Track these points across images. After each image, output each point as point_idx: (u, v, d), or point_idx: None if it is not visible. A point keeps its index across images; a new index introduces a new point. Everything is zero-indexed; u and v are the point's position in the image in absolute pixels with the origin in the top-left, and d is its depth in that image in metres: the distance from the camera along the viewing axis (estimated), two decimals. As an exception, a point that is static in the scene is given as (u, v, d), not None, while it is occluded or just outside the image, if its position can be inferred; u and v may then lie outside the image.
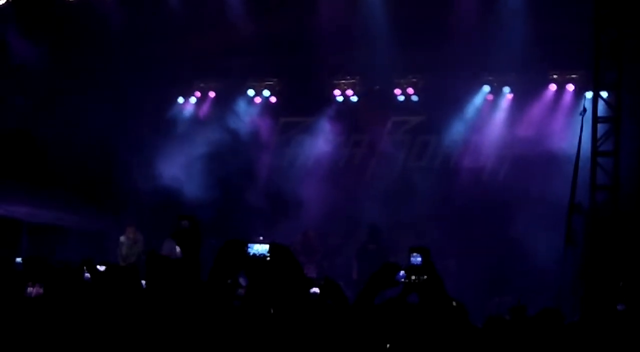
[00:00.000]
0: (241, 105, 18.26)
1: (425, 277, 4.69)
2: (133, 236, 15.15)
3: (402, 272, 4.64)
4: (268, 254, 4.22)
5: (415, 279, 4.66)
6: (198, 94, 18.76)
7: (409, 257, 7.11)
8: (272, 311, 4.18)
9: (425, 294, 4.64)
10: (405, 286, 4.69)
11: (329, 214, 16.76)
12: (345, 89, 17.71)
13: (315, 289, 4.98)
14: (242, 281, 4.63)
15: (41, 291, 6.24)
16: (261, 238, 13.71)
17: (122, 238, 15.26)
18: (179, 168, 17.13)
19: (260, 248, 4.65)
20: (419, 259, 7.16)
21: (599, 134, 13.17)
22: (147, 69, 16.57)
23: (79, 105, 16.74)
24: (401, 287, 4.72)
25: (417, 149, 17.63)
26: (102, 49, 16.60)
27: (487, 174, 16.83)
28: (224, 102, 18.32)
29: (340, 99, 17.89)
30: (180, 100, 18.86)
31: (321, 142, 17.65)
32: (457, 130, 16.83)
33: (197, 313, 4.02)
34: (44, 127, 16.71)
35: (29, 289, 6.24)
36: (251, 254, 4.40)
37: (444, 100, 16.68)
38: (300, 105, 18.23)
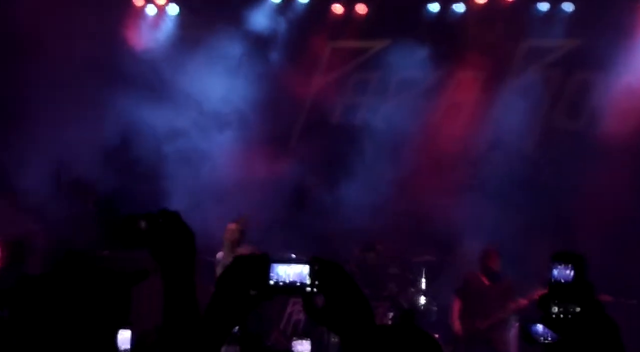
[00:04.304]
0: (259, 20, 16.21)
1: (579, 309, 4.68)
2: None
3: (540, 327, 4.53)
4: (309, 282, 3.40)
5: (560, 311, 4.64)
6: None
7: (551, 270, 6.68)
8: None
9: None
10: (546, 348, 4.54)
11: (402, 214, 15.58)
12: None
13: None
14: None
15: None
16: (293, 255, 13.61)
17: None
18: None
19: (291, 271, 3.37)
20: (570, 272, 6.61)
21: None
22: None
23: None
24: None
25: (567, 97, 15.96)
26: None
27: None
28: (231, 13, 15.88)
29: (434, 8, 15.88)
30: (151, 11, 15.86)
31: (399, 83, 15.85)
32: (635, 65, 15.21)
33: None
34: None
35: None
36: (274, 282, 3.41)
37: (613, 17, 15.33)
38: (363, 20, 16.15)
